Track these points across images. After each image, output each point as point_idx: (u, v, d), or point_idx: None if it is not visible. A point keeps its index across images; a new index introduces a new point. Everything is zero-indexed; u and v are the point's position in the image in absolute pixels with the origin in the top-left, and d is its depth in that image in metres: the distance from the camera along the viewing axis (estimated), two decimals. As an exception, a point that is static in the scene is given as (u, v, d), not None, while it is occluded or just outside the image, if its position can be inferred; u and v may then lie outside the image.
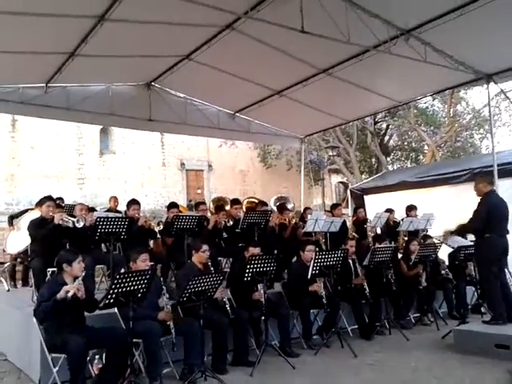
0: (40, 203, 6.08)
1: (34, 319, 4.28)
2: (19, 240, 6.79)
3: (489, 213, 5.72)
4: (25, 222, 6.58)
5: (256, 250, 5.78)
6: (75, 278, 4.36)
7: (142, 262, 4.86)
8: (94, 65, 7.78)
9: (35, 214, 6.41)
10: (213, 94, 9.74)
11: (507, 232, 5.85)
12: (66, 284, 4.28)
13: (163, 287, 4.86)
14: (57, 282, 4.35)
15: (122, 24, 6.53)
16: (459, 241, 7.17)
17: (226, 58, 7.94)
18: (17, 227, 7.16)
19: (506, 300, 5.74)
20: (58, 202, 7.15)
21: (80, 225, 5.63)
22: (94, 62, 7.65)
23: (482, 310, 6.96)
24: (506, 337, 5.17)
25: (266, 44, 7.41)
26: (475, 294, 7.38)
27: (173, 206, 7.61)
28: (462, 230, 6.20)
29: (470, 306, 7.49)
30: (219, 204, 8.68)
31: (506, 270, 6.16)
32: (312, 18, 5.71)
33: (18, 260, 7.71)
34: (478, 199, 5.93)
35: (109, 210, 9.04)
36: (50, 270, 5.41)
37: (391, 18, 6.58)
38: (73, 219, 5.70)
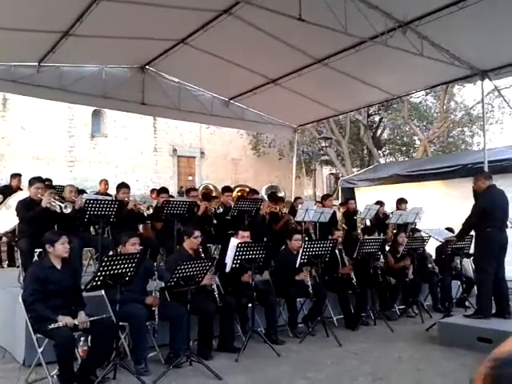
0: (29, 184, 6.01)
1: (20, 299, 4.24)
2: (7, 219, 6.72)
3: (486, 207, 5.71)
4: (14, 201, 6.51)
5: (246, 234, 5.75)
6: (62, 259, 4.33)
7: (132, 246, 4.83)
8: (87, 45, 7.66)
9: (24, 194, 6.35)
10: (207, 80, 9.66)
11: (506, 226, 5.86)
12: (53, 267, 4.25)
13: (155, 272, 4.82)
14: (43, 266, 4.31)
15: (117, 4, 6.42)
16: (444, 233, 7.21)
17: (221, 43, 7.87)
18: (6, 206, 7.08)
19: (502, 295, 5.75)
20: (46, 183, 7.08)
21: (67, 211, 5.54)
22: (87, 43, 7.52)
23: (466, 303, 7.06)
24: (488, 331, 5.23)
25: (263, 31, 7.34)
26: (460, 288, 7.46)
27: (163, 191, 7.58)
28: (464, 231, 6.20)
29: (454, 300, 7.59)
30: (206, 192, 8.64)
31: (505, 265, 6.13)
32: (310, 7, 5.69)
33: (5, 240, 7.64)
34: (472, 195, 5.95)
35: (98, 194, 8.98)
36: (38, 250, 5.38)
37: (390, 9, 6.55)
38: (60, 204, 5.59)
